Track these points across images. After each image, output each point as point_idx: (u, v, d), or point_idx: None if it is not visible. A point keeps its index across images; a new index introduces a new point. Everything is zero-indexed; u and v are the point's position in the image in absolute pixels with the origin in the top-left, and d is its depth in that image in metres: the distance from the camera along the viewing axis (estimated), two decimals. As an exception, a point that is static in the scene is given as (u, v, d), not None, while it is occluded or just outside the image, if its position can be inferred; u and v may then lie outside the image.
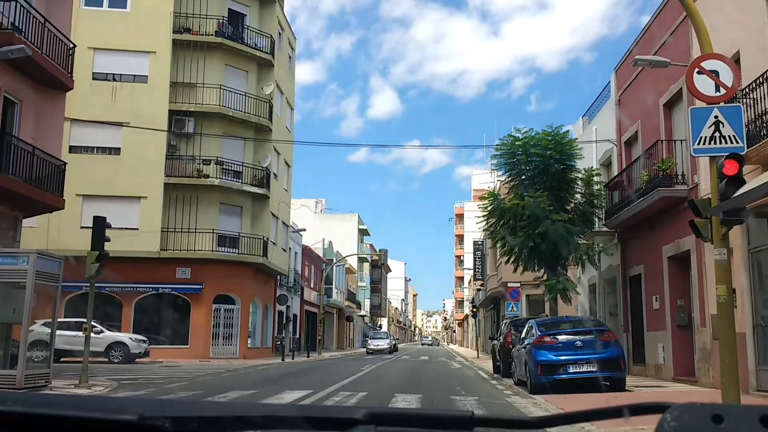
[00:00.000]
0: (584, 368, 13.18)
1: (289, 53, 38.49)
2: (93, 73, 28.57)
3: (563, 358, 13.31)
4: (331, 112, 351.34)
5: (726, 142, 8.12)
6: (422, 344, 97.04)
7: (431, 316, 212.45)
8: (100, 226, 14.82)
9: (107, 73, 29.18)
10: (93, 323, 16.35)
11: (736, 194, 7.72)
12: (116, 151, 28.75)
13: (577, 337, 13.76)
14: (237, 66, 31.65)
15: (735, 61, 11.12)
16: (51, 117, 18.02)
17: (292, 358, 31.73)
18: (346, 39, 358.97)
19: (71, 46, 18.34)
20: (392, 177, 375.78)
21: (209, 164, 29.79)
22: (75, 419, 1.13)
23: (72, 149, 27.10)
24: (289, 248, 39.70)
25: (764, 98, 11.39)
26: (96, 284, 15.27)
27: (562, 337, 13.85)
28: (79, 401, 1.27)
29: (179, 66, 30.13)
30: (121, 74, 29.30)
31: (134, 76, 29.41)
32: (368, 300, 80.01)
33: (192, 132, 29.78)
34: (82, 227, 24.72)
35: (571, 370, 13.20)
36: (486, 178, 60.70)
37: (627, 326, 20.01)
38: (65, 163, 18.22)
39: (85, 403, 1.26)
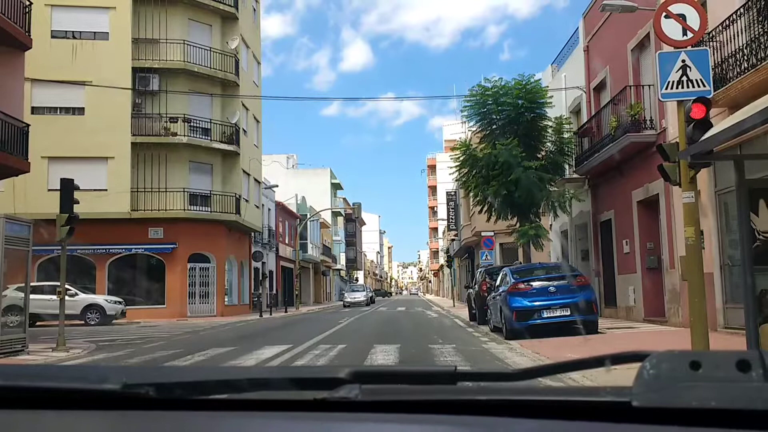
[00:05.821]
0: (558, 313, 13.45)
1: (253, 5, 37.58)
2: (52, 31, 27.67)
3: (537, 303, 13.55)
4: (303, 66, 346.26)
5: (693, 86, 8.15)
6: (411, 294, 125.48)
7: (407, 268, 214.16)
8: (67, 188, 14.55)
9: (66, 31, 28.30)
10: (67, 286, 16.19)
11: (703, 138, 7.79)
12: (80, 111, 28.10)
13: (550, 282, 13.99)
14: (200, 20, 30.89)
15: (702, 5, 11.10)
16: (10, 77, 17.48)
17: (270, 314, 31.85)
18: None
19: (27, 3, 17.71)
20: (365, 130, 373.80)
21: (176, 122, 29.25)
22: (57, 391, 1.12)
23: (34, 110, 26.40)
24: (262, 205, 39.48)
25: (730, 41, 11.44)
26: (67, 247, 15.08)
27: (535, 284, 14.08)
28: (60, 372, 1.26)
29: (141, 21, 29.30)
30: (81, 32, 28.46)
31: (95, 33, 28.57)
32: (344, 254, 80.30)
33: (157, 89, 29.16)
34: (49, 190, 24.28)
35: (545, 315, 13.45)
36: (457, 128, 60.56)
37: (598, 270, 20.39)
38: (28, 125, 17.76)
39: (67, 374, 1.25)
